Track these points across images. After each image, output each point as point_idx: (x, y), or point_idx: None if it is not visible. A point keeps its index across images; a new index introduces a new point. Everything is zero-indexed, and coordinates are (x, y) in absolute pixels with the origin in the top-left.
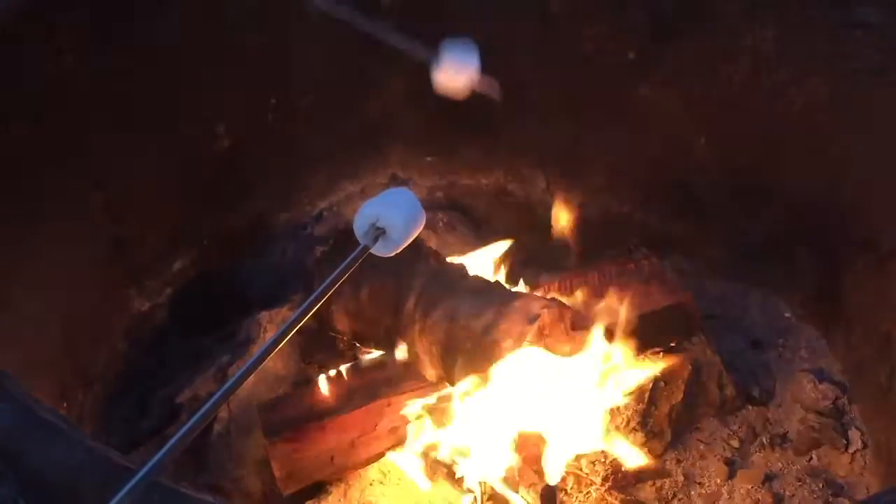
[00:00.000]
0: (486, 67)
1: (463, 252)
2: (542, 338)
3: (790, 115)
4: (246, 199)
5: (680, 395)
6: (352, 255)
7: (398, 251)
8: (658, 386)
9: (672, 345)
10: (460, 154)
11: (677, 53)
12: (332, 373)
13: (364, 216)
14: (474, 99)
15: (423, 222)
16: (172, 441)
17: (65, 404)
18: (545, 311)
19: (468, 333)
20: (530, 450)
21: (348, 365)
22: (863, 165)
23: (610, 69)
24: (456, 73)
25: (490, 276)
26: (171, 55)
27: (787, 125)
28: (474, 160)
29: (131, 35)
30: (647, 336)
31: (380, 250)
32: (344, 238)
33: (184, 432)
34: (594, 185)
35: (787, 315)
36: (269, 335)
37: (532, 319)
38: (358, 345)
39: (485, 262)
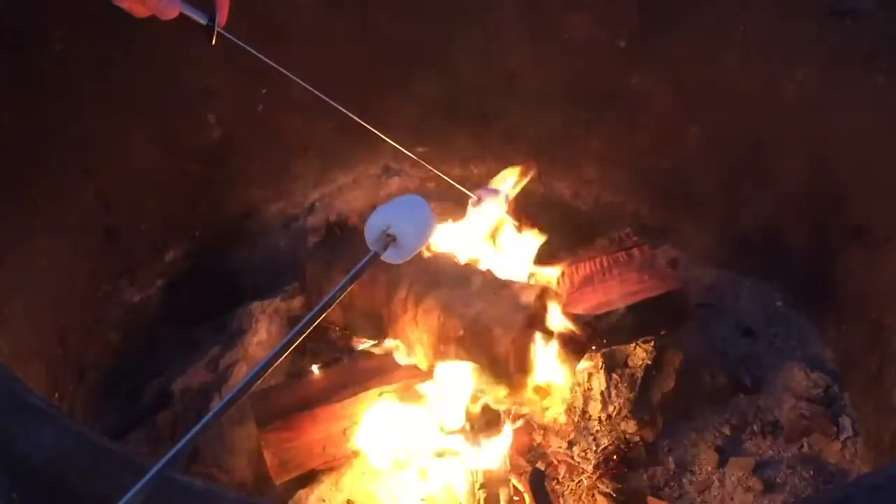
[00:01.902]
0: None
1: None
2: (532, 325)
3: (781, 103)
4: (238, 189)
5: (671, 384)
6: (362, 262)
7: (408, 259)
8: (650, 374)
9: (664, 333)
10: (452, 144)
11: (668, 42)
12: (324, 363)
13: (376, 222)
14: (467, 92)
15: (435, 230)
16: (184, 440)
17: (56, 394)
18: (535, 299)
19: (460, 322)
20: (520, 438)
21: (340, 355)
22: (853, 153)
23: (601, 58)
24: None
25: (481, 265)
26: (161, 43)
27: (778, 113)
28: (466, 150)
29: (121, 24)
30: (640, 324)
31: (390, 257)
32: (336, 229)
33: (194, 433)
34: (586, 175)
35: (778, 303)
36: (262, 325)
37: (523, 307)
38: (350, 335)
39: (476, 250)
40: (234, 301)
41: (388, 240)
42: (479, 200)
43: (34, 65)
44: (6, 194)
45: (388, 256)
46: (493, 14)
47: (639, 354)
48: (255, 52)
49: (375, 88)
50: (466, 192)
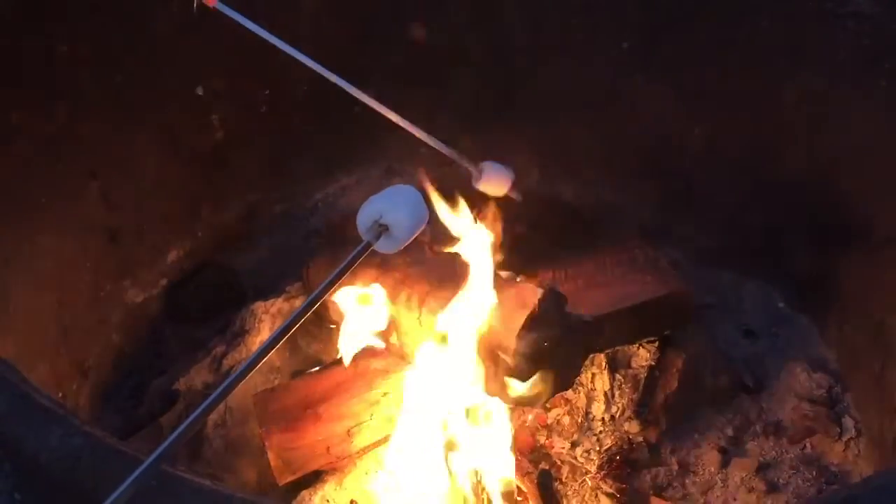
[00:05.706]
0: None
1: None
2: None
3: (784, 106)
4: (240, 189)
5: (674, 385)
6: (354, 252)
7: (400, 249)
8: (653, 375)
9: (666, 334)
10: (454, 144)
11: (671, 44)
12: (328, 363)
13: (368, 212)
14: (468, 93)
15: (427, 220)
16: (176, 433)
17: (60, 395)
18: (539, 298)
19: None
20: (524, 440)
21: (344, 355)
22: (856, 155)
23: (604, 59)
24: (494, 186)
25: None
26: (165, 46)
27: (780, 115)
28: (469, 151)
29: (126, 26)
30: (642, 325)
31: (382, 247)
32: (339, 229)
33: (187, 424)
34: (588, 176)
35: (780, 304)
36: (264, 325)
37: (526, 306)
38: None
39: (479, 250)
40: (236, 301)
41: (381, 229)
42: (481, 173)
43: (39, 65)
44: (11, 194)
45: (380, 246)
46: (497, 16)
47: (642, 355)
48: (250, 24)
49: (379, 89)
50: (468, 165)
